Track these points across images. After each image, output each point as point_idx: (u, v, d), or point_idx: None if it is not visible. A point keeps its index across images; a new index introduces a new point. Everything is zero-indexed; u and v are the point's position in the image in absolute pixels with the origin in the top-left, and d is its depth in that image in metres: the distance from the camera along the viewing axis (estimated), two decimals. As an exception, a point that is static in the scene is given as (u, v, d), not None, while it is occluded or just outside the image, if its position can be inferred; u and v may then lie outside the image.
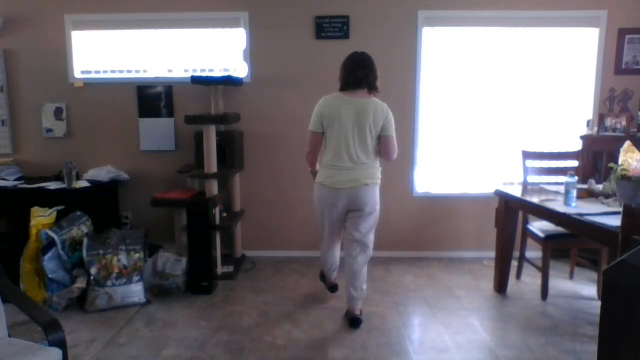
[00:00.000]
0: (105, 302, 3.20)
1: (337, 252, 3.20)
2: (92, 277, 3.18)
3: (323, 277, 3.46)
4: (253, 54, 4.14)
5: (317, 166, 3.01)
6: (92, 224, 3.54)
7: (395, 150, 2.90)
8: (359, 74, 2.82)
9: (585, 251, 3.84)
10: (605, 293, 1.71)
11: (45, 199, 3.61)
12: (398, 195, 4.29)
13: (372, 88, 2.86)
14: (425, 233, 4.34)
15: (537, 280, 3.54)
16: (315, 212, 3.02)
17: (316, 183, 2.95)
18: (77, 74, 4.22)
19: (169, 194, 3.88)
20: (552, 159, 3.75)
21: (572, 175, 2.86)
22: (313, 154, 2.97)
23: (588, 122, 4.10)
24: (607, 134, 3.93)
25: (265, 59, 4.14)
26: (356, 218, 2.88)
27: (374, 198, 2.87)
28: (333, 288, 3.44)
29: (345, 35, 4.08)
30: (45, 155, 4.29)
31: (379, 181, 2.91)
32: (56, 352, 1.95)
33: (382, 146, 2.87)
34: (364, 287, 3.02)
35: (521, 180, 3.74)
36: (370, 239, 2.95)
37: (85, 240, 3.26)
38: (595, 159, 3.94)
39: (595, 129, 4.00)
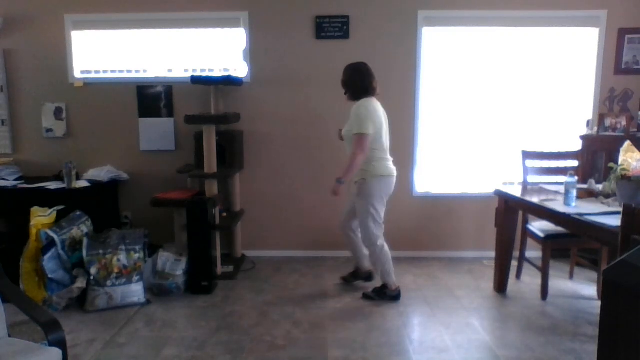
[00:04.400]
0: (105, 302, 3.20)
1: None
2: (92, 277, 3.18)
3: (381, 292, 3.37)
4: (253, 54, 4.14)
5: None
6: (92, 224, 3.54)
7: None
8: (373, 82, 3.26)
9: (585, 251, 3.83)
10: (605, 293, 1.71)
11: (45, 199, 3.61)
12: (398, 195, 4.26)
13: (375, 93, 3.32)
14: (425, 233, 4.34)
15: (537, 280, 3.54)
16: (374, 207, 3.23)
17: (378, 176, 3.21)
18: (77, 74, 4.22)
19: (169, 194, 3.88)
20: (552, 159, 3.75)
21: (572, 175, 2.86)
22: (365, 155, 3.16)
23: (588, 122, 4.11)
24: (607, 134, 3.93)
25: (265, 59, 4.14)
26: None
27: None
28: (398, 295, 3.38)
29: (345, 35, 4.08)
30: (45, 155, 4.29)
31: None
32: (56, 352, 1.95)
33: None
34: None
35: (521, 180, 3.74)
36: None
37: (85, 240, 3.25)
38: (595, 159, 3.94)
39: (595, 129, 4.00)
